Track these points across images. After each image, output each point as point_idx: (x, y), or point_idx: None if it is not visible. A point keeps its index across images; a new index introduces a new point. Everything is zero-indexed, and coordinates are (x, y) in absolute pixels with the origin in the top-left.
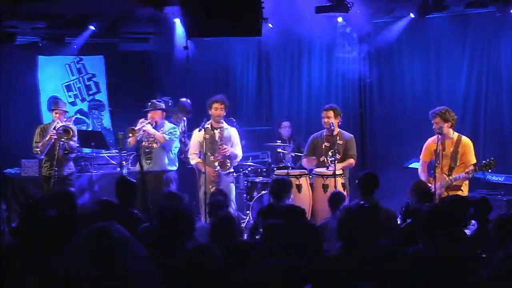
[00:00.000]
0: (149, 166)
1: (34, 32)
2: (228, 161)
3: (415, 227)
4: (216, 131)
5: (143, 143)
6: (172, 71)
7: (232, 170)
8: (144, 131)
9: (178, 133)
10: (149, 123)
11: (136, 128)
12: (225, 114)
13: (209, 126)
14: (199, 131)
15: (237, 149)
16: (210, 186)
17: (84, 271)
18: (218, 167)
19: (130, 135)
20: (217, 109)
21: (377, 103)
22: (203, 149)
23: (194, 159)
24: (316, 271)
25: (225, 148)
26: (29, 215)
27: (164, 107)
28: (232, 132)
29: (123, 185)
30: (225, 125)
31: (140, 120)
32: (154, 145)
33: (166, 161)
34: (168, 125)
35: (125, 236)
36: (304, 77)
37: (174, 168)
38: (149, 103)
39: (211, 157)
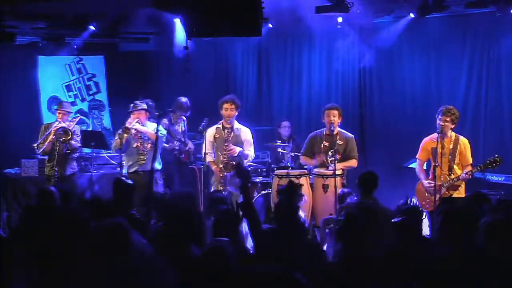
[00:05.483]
0: (142, 166)
1: (34, 32)
2: (234, 162)
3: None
4: (226, 131)
5: (135, 144)
6: (172, 71)
7: None
8: (135, 129)
9: (164, 130)
10: (137, 122)
11: (129, 127)
12: (236, 114)
13: (220, 126)
14: (202, 131)
15: (248, 149)
16: (220, 186)
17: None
18: (222, 167)
19: (125, 134)
20: (227, 110)
21: (377, 103)
22: (215, 148)
23: (206, 158)
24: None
25: (230, 149)
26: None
27: (146, 107)
28: (243, 132)
29: (119, 186)
30: (236, 125)
31: (128, 121)
32: (147, 145)
33: (156, 161)
34: (152, 125)
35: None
36: (304, 77)
37: (159, 167)
38: (132, 105)
39: (220, 156)
